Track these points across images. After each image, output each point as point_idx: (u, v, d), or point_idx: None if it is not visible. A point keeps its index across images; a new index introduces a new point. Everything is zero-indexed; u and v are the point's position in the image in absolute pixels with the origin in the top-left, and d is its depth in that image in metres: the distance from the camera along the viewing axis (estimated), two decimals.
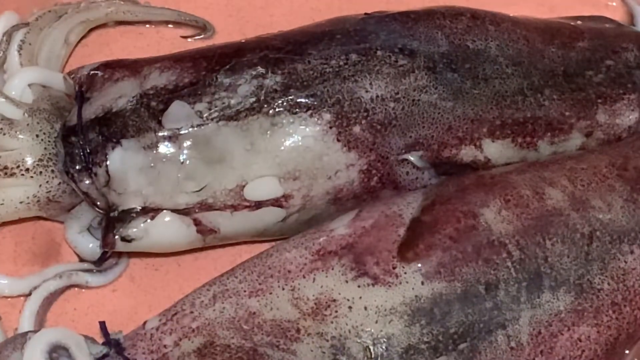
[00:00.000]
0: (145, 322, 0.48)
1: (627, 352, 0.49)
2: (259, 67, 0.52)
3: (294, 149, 0.51)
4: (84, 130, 0.51)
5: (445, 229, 0.47)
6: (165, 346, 0.46)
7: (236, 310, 0.46)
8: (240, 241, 0.54)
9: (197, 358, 0.45)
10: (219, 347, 0.45)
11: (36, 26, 0.58)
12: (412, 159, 0.52)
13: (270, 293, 0.46)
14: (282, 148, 0.51)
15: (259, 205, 0.51)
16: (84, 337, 0.47)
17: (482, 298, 0.45)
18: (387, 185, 0.52)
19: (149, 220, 0.51)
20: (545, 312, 0.46)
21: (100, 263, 0.54)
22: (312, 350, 0.44)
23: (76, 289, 0.54)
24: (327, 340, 0.44)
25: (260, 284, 0.47)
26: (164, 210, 0.51)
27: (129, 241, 0.51)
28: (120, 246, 0.51)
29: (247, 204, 0.51)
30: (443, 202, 0.48)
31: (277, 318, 0.45)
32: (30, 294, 0.53)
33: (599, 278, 0.47)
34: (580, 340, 0.46)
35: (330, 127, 0.51)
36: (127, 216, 0.51)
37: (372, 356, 0.44)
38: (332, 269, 0.46)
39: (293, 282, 0.46)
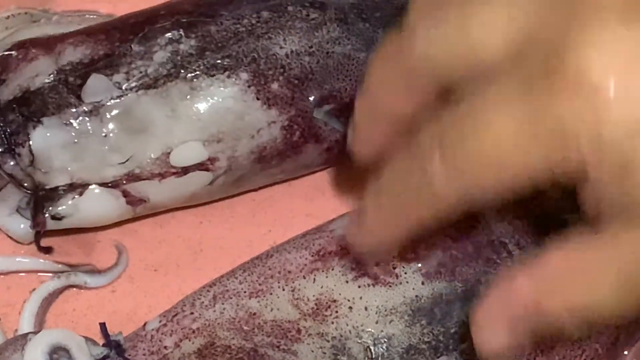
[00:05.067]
0: (145, 324, 0.47)
1: (625, 352, 0.49)
2: (172, 32, 0.52)
3: (215, 112, 0.51)
4: (3, 112, 0.51)
5: (445, 229, 0.45)
6: (165, 347, 0.45)
7: (236, 311, 0.46)
8: (240, 246, 0.54)
9: (197, 359, 0.45)
10: (220, 347, 0.45)
11: (2, 24, 0.57)
12: (318, 117, 0.53)
13: (271, 294, 0.46)
14: (203, 111, 0.51)
15: (185, 171, 0.51)
16: (85, 338, 0.47)
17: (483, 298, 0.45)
18: (309, 140, 0.53)
19: (77, 197, 0.51)
20: None
21: (37, 244, 0.54)
22: (312, 351, 0.44)
23: (75, 289, 0.54)
24: (328, 341, 0.44)
25: (260, 284, 0.46)
26: (92, 185, 0.51)
27: (60, 219, 0.51)
28: (52, 224, 0.51)
29: (174, 170, 0.51)
30: None
31: (277, 319, 0.45)
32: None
33: None
34: (581, 340, 0.46)
35: (249, 86, 0.51)
36: (55, 194, 0.51)
37: (373, 356, 0.44)
38: (332, 269, 0.46)
39: (293, 282, 0.46)
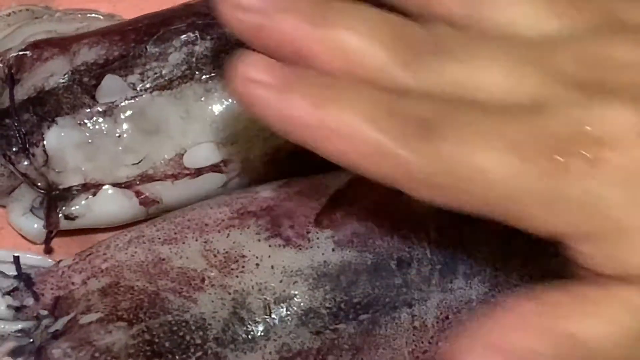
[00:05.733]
0: (59, 261, 0.48)
1: None
2: (188, 34, 0.52)
3: (229, 114, 0.51)
4: (18, 112, 0.51)
5: (366, 201, 0.46)
6: (73, 283, 0.46)
7: (147, 255, 0.46)
8: None
9: (100, 296, 0.45)
10: (123, 287, 0.45)
11: (4, 21, 0.57)
12: None
13: (183, 243, 0.46)
14: (217, 113, 0.51)
15: (199, 172, 0.51)
16: None
17: (392, 273, 0.45)
18: None
19: (90, 197, 0.51)
20: (456, 298, 0.45)
21: (47, 244, 0.54)
22: (212, 301, 0.44)
23: None
24: (230, 293, 0.44)
25: (175, 233, 0.47)
26: (105, 185, 0.51)
27: (73, 219, 0.51)
28: (65, 224, 0.51)
29: (188, 172, 0.51)
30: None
31: (184, 266, 0.45)
32: None
33: (518, 274, 0.45)
34: None
35: None
36: (68, 194, 0.51)
37: (272, 314, 0.44)
38: (248, 227, 0.46)
39: (207, 235, 0.46)
